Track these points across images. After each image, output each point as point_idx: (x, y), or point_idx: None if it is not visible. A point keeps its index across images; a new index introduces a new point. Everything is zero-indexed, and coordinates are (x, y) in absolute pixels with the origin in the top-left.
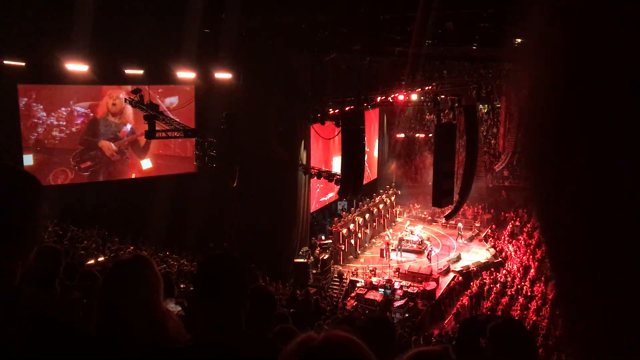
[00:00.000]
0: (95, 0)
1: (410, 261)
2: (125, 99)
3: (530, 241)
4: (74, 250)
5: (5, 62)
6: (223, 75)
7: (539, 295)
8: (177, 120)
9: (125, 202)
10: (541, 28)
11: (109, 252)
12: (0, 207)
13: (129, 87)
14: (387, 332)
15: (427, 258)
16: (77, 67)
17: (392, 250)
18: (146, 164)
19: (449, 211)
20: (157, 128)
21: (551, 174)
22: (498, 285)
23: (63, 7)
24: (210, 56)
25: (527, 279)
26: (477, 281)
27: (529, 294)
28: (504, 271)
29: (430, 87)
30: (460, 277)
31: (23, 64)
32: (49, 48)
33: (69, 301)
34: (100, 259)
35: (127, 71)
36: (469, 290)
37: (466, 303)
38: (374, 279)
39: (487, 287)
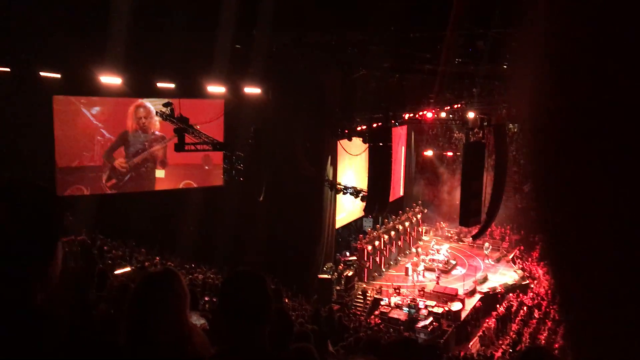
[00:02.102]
0: (130, 15)
1: (433, 281)
2: (157, 112)
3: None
4: (101, 260)
5: (41, 73)
6: (252, 90)
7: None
8: (206, 134)
9: (153, 213)
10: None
11: (135, 263)
12: (15, 225)
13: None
14: (413, 353)
15: (436, 281)
16: (111, 79)
17: (420, 270)
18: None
19: (477, 231)
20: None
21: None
22: (525, 308)
23: (98, 20)
24: (240, 71)
25: (556, 303)
26: (504, 303)
27: (557, 318)
28: (532, 294)
29: (459, 105)
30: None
31: (59, 75)
32: (84, 60)
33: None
34: (127, 269)
35: (159, 84)
36: (495, 312)
37: (492, 325)
38: (398, 298)
39: (514, 309)
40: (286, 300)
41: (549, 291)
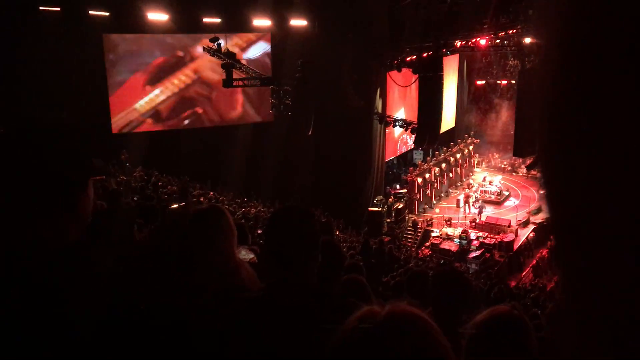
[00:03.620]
0: None
1: (484, 213)
2: (204, 48)
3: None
4: (157, 195)
5: (90, 11)
6: (298, 23)
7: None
8: (254, 68)
9: (204, 149)
10: None
11: (190, 198)
12: (44, 160)
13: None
14: (461, 284)
15: (478, 212)
16: (158, 16)
17: (473, 202)
18: None
19: (531, 161)
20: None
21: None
22: None
23: None
24: (285, 3)
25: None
26: None
27: None
28: None
29: (514, 31)
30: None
31: (107, 13)
32: None
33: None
34: (182, 203)
35: (205, 19)
36: (549, 243)
37: (546, 255)
38: (449, 229)
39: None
40: (337, 233)
41: None
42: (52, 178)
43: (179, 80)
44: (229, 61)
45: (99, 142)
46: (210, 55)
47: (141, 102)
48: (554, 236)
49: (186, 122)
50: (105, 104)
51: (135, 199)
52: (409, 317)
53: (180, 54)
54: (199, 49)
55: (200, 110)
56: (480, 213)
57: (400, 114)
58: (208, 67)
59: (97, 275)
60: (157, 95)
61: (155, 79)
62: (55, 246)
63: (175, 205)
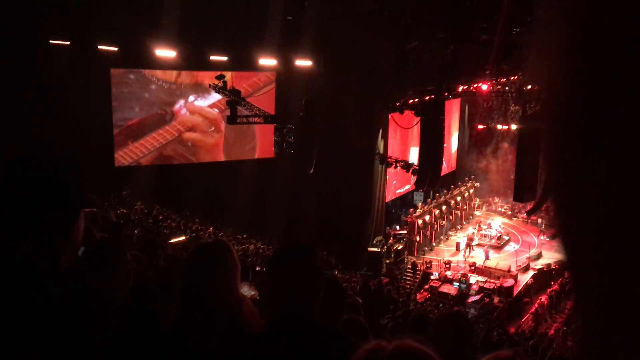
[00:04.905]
0: None
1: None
2: (209, 85)
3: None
4: (157, 228)
5: (99, 46)
6: (303, 63)
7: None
8: (258, 106)
9: (206, 184)
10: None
11: (190, 232)
12: (38, 192)
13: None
14: (464, 328)
15: (485, 255)
16: (165, 52)
17: (474, 245)
18: None
19: (531, 207)
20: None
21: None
22: None
23: None
24: (291, 43)
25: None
26: (559, 280)
27: None
28: None
29: (516, 77)
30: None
31: (116, 48)
32: (140, 34)
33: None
34: (182, 238)
35: (212, 57)
36: (549, 289)
37: (545, 302)
38: (448, 273)
39: (568, 286)
40: (336, 272)
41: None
42: (45, 206)
43: (161, 136)
44: (234, 98)
45: (102, 175)
46: (216, 92)
47: (143, 142)
48: (570, 275)
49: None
50: (110, 138)
51: (135, 232)
52: (417, 351)
53: (167, 111)
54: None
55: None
56: (487, 257)
57: (401, 155)
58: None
59: (88, 303)
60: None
61: (156, 123)
62: (46, 272)
63: (175, 239)
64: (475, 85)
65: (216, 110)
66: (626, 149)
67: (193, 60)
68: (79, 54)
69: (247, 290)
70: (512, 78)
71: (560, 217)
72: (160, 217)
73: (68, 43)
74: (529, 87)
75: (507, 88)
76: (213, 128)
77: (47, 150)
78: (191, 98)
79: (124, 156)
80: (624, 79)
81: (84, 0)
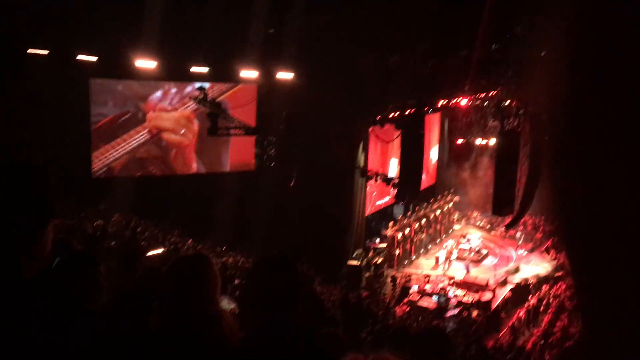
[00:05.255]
0: None
1: (462, 270)
2: (190, 97)
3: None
4: (136, 241)
5: (78, 56)
6: (285, 75)
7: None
8: (239, 118)
9: (186, 196)
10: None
11: (168, 245)
12: (4, 204)
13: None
14: (443, 343)
15: (466, 269)
16: (146, 63)
17: (453, 259)
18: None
19: (509, 221)
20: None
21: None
22: (558, 300)
23: (134, 3)
24: (273, 56)
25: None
26: (537, 294)
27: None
28: (565, 285)
29: (494, 93)
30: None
31: (95, 58)
32: (120, 44)
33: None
34: (160, 250)
35: (193, 69)
36: (527, 303)
37: (523, 316)
38: (427, 286)
39: (546, 300)
40: (315, 286)
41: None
42: (8, 217)
43: (133, 137)
44: (215, 110)
45: (79, 186)
46: (196, 104)
47: (120, 150)
48: (574, 279)
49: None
50: (87, 149)
51: (112, 243)
52: None
53: (139, 108)
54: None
55: (153, 168)
56: (467, 271)
57: (382, 168)
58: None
59: (45, 315)
60: (135, 144)
61: (113, 133)
62: (5, 282)
63: (153, 252)
64: (455, 100)
65: (189, 108)
66: (624, 154)
67: (174, 71)
68: (58, 64)
69: (226, 304)
70: (490, 93)
71: (562, 225)
72: (139, 229)
73: (47, 53)
74: (507, 102)
75: (486, 103)
76: (184, 130)
77: (13, 160)
78: (161, 92)
79: (95, 160)
80: (622, 88)
81: (63, 10)
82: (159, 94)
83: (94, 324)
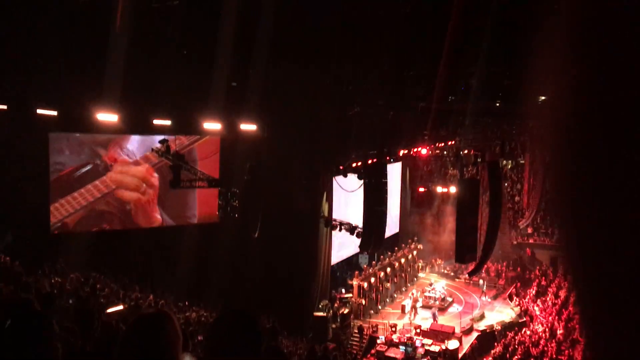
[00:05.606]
0: (126, 52)
1: (428, 319)
2: (152, 149)
3: (556, 301)
4: (95, 298)
5: (38, 110)
6: (248, 127)
7: (566, 358)
8: (202, 170)
9: (147, 249)
10: (558, 85)
11: (129, 301)
12: None
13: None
14: None
15: (432, 317)
16: (107, 116)
17: (419, 307)
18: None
19: (472, 268)
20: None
21: (582, 228)
22: (523, 347)
23: (95, 58)
24: (236, 108)
25: (554, 341)
26: (502, 341)
27: (555, 356)
28: (529, 332)
29: (453, 142)
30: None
31: (55, 113)
32: (80, 97)
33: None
34: (120, 307)
35: (156, 121)
36: (493, 351)
37: None
38: (394, 336)
39: (511, 347)
40: (280, 338)
41: (547, 328)
42: None
43: (92, 192)
44: (177, 162)
45: (37, 241)
46: (159, 157)
47: (76, 204)
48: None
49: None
50: (46, 204)
51: (70, 301)
52: None
53: (102, 159)
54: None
55: (113, 221)
56: (435, 319)
57: (346, 218)
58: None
59: None
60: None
61: (70, 186)
62: None
63: (112, 309)
64: (415, 150)
65: (146, 164)
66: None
67: (136, 124)
68: (17, 118)
69: None
70: (449, 143)
71: (564, 233)
72: (98, 286)
73: (5, 107)
74: (465, 151)
75: (445, 152)
76: (144, 185)
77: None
78: (122, 138)
79: (54, 212)
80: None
81: (22, 64)
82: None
83: None
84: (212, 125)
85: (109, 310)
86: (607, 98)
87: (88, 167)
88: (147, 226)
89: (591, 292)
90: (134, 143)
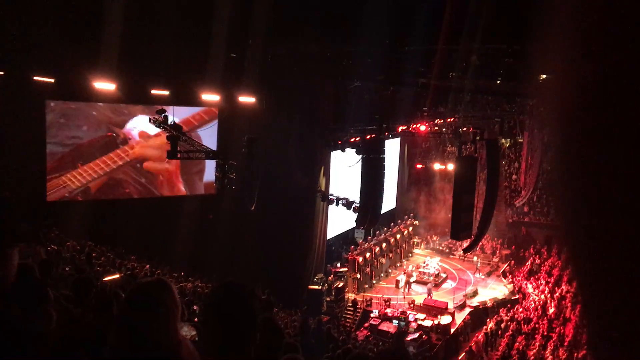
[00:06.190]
0: (124, 21)
1: (422, 294)
2: (150, 119)
3: (549, 279)
4: (90, 266)
5: (35, 77)
6: (247, 99)
7: (557, 335)
8: (199, 142)
9: (144, 220)
10: (563, 64)
11: (124, 270)
12: None
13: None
14: None
15: (427, 293)
16: (104, 85)
17: (413, 283)
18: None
19: (467, 245)
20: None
21: (581, 213)
22: (515, 323)
23: (93, 25)
24: (235, 80)
25: (545, 318)
26: (494, 318)
27: (546, 333)
28: (521, 309)
29: (452, 119)
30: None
31: (52, 80)
32: (78, 66)
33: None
34: (116, 276)
35: (154, 91)
36: (484, 327)
37: (481, 340)
38: (388, 310)
39: (503, 324)
40: (275, 310)
41: (539, 306)
42: None
43: (111, 160)
44: (175, 133)
45: (33, 209)
46: (156, 127)
47: (72, 177)
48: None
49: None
50: (43, 171)
51: (67, 269)
52: None
53: (118, 133)
54: (136, 131)
55: (129, 191)
56: (429, 294)
57: (342, 193)
58: (151, 156)
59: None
60: (88, 172)
61: (90, 157)
62: None
63: (108, 277)
64: (414, 126)
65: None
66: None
67: (133, 94)
68: (13, 85)
69: (187, 331)
70: (448, 120)
71: (564, 227)
72: (94, 255)
73: (1, 73)
74: (464, 128)
75: (444, 129)
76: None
77: None
78: (138, 119)
79: (72, 179)
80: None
81: (19, 31)
82: (134, 121)
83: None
84: (211, 97)
85: (106, 278)
86: (611, 79)
87: (107, 139)
88: (171, 195)
89: (588, 272)
90: (146, 124)
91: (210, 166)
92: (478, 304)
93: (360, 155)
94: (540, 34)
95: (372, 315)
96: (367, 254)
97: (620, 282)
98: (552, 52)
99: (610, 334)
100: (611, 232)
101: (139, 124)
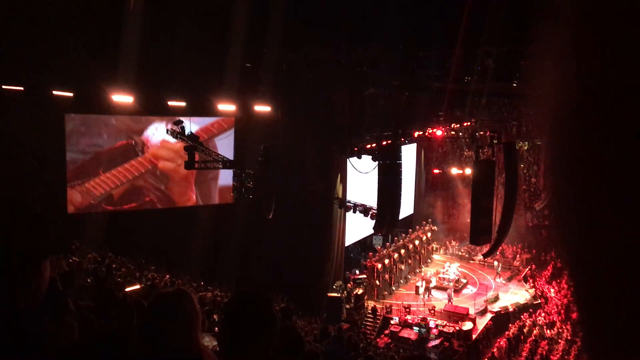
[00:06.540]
0: (141, 34)
1: (444, 300)
2: (167, 130)
3: (572, 283)
4: (111, 277)
5: (54, 92)
6: (262, 108)
7: (581, 340)
8: (216, 151)
9: (163, 230)
10: (558, 67)
11: (145, 280)
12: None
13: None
14: None
15: (448, 299)
16: (122, 98)
17: (432, 288)
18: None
19: (487, 249)
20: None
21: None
22: (537, 328)
23: (110, 39)
24: (250, 89)
25: (569, 323)
26: (516, 323)
27: (570, 338)
28: (543, 314)
29: (469, 123)
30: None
31: (71, 94)
32: (96, 79)
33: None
34: (137, 287)
35: (171, 103)
36: (507, 332)
37: (504, 345)
38: (408, 317)
39: (526, 329)
40: (294, 318)
41: (562, 310)
42: (6, 258)
43: (133, 167)
44: (192, 144)
45: (54, 221)
46: (174, 138)
47: (95, 185)
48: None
49: (138, 205)
50: (63, 183)
51: (88, 280)
52: None
53: (137, 141)
54: (155, 137)
55: (150, 199)
56: (450, 300)
57: (360, 199)
58: (164, 156)
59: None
60: (111, 180)
61: (111, 164)
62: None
63: (130, 288)
64: (430, 131)
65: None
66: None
67: (151, 105)
68: (33, 100)
69: (208, 341)
70: (465, 124)
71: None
72: (114, 266)
73: (22, 89)
74: (481, 132)
75: (460, 134)
76: (180, 159)
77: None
78: (154, 127)
79: (96, 187)
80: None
81: (38, 45)
82: (152, 127)
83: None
84: (227, 107)
85: (128, 289)
86: (609, 80)
87: (127, 147)
88: (182, 204)
89: (585, 275)
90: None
91: (224, 171)
92: (500, 309)
93: (377, 162)
94: (539, 36)
95: (392, 322)
96: (386, 261)
97: (617, 284)
98: (548, 54)
99: (607, 336)
100: (608, 233)
101: (158, 132)
